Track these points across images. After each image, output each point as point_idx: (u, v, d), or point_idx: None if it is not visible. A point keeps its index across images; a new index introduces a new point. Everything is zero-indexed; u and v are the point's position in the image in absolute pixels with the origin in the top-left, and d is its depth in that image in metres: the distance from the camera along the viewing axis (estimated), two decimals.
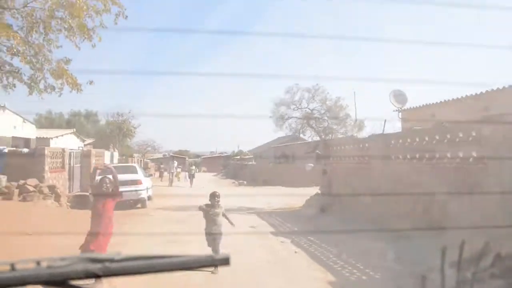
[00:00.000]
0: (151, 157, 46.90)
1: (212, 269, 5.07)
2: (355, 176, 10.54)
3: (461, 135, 6.81)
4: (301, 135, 24.49)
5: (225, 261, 0.86)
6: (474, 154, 6.39)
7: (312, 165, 16.72)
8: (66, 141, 25.86)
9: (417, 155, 7.95)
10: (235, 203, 12.22)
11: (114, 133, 25.73)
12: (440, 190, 6.68)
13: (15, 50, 8.12)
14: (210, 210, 6.21)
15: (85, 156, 16.32)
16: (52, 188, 11.76)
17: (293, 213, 12.05)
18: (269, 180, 24.18)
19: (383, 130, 11.71)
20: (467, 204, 6.07)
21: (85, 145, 29.28)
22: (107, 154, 21.09)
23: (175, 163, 27.94)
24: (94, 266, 0.80)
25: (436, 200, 6.91)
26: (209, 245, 6.05)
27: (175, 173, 26.14)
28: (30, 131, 21.25)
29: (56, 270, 0.80)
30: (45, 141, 22.07)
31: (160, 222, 10.53)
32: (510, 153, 5.60)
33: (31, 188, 11.17)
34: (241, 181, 27.44)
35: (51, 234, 8.09)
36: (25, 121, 20.08)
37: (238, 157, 48.01)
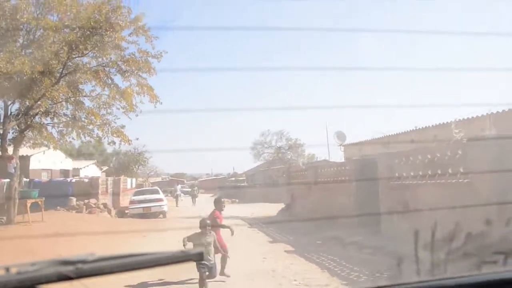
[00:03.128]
0: (153, 181, 52.35)
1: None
2: (308, 192, 16.37)
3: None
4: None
5: (199, 257, 0.85)
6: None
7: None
8: (90, 169, 31.79)
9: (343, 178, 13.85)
10: (227, 213, 18.07)
11: (132, 163, 31.84)
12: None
13: (98, 123, 13.87)
14: (201, 239, 6.13)
15: (116, 182, 22.16)
16: (104, 204, 17.61)
17: (266, 218, 17.86)
18: (256, 198, 29.97)
19: (329, 157, 17.72)
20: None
21: (102, 172, 35.13)
22: (128, 180, 26.90)
23: (179, 186, 33.63)
24: (66, 269, 0.78)
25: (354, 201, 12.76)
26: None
27: (180, 195, 31.66)
28: (68, 164, 27.16)
29: (25, 275, 0.78)
30: (77, 170, 27.97)
31: (176, 223, 16.32)
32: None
33: (93, 205, 16.99)
34: (234, 199, 33.13)
35: (113, 233, 13.86)
36: (67, 157, 26.00)
37: (233, 178, 53.27)
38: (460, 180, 7.40)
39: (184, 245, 5.98)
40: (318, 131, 71.03)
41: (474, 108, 11.74)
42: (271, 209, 20.15)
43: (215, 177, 62.68)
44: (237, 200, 32.51)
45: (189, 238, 6.21)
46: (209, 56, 62.03)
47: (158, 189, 20.85)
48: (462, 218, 5.89)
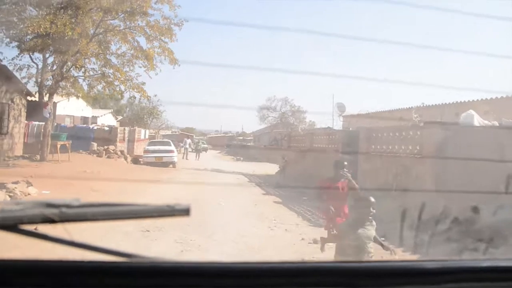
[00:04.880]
0: (164, 133, 54.52)
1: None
2: (302, 156, 18.27)
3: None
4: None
5: (186, 212, 0.83)
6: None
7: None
8: (106, 118, 33.95)
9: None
10: (231, 169, 20.19)
11: (146, 115, 33.98)
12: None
13: (122, 79, 15.73)
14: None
15: (131, 132, 24.23)
16: (122, 151, 19.73)
17: (265, 175, 19.92)
18: (260, 158, 32.03)
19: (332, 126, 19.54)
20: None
21: (117, 121, 37.32)
22: (142, 131, 28.98)
23: (189, 140, 35.62)
24: (50, 211, 0.78)
25: None
26: None
27: (189, 149, 33.45)
28: (88, 112, 29.30)
29: (8, 214, 0.79)
30: (95, 118, 30.11)
31: (184, 173, 18.45)
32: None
33: (111, 151, 19.09)
34: (239, 157, 35.25)
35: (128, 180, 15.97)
36: (87, 105, 28.09)
37: (241, 137, 55.14)
38: (416, 156, 9.25)
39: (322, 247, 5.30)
40: (324, 100, 72.55)
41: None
42: (271, 168, 22.14)
43: (224, 135, 64.44)
44: (241, 158, 34.57)
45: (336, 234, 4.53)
46: (223, 11, 62.51)
47: (170, 141, 22.98)
48: (415, 185, 7.91)
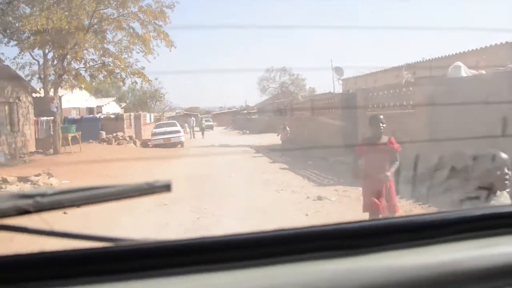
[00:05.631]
0: (169, 115, 54.94)
1: None
2: (305, 122, 18.73)
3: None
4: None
5: (167, 188, 0.80)
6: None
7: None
8: (110, 106, 34.46)
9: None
10: (238, 143, 20.76)
11: (149, 99, 34.47)
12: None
13: (122, 66, 16.15)
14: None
15: (137, 117, 24.76)
16: (130, 137, 20.32)
17: (271, 145, 20.45)
18: (265, 129, 32.51)
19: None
20: None
21: (121, 108, 37.85)
22: (147, 115, 29.53)
23: (193, 119, 36.07)
24: (24, 202, 0.74)
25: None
26: None
27: (195, 128, 33.84)
28: (92, 102, 29.78)
29: None
30: (100, 108, 30.62)
31: (192, 151, 19.03)
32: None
33: (120, 137, 19.67)
34: (245, 130, 35.74)
35: (140, 159, 16.58)
36: (91, 96, 28.51)
37: (246, 111, 55.41)
38: (409, 111, 9.67)
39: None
40: (323, 64, 72.13)
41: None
42: (277, 139, 22.68)
43: (228, 110, 64.56)
44: (247, 132, 35.06)
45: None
46: None
47: (176, 122, 23.53)
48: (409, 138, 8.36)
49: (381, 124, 4.57)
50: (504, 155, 2.75)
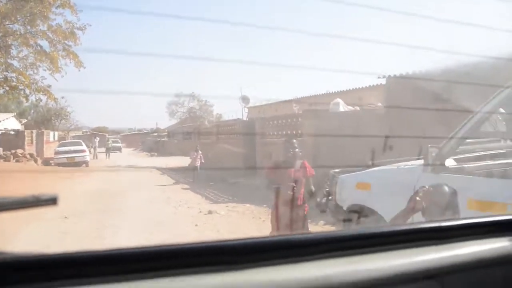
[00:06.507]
0: (74, 134, 52.87)
1: None
2: (210, 146, 19.75)
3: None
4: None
5: (53, 201, 0.77)
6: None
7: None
8: (10, 122, 32.68)
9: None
10: (145, 164, 21.11)
11: (54, 117, 33.30)
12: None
13: (26, 83, 15.94)
14: None
15: (39, 135, 24.00)
16: (31, 155, 19.73)
17: (178, 168, 21.12)
18: (174, 152, 33.00)
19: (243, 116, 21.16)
20: None
21: (21, 124, 35.92)
22: (51, 133, 28.56)
23: (97, 140, 35.16)
24: None
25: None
26: None
27: (98, 149, 32.61)
28: None
29: None
30: None
31: (96, 174, 19.05)
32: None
33: (20, 154, 19.06)
34: (153, 153, 35.86)
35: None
36: None
37: (156, 134, 55.04)
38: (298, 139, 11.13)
39: None
40: (233, 91, 74.45)
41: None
42: (184, 161, 23.38)
43: (138, 132, 63.38)
44: (156, 154, 35.21)
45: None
46: None
47: (81, 141, 23.26)
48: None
49: (293, 148, 4.63)
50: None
